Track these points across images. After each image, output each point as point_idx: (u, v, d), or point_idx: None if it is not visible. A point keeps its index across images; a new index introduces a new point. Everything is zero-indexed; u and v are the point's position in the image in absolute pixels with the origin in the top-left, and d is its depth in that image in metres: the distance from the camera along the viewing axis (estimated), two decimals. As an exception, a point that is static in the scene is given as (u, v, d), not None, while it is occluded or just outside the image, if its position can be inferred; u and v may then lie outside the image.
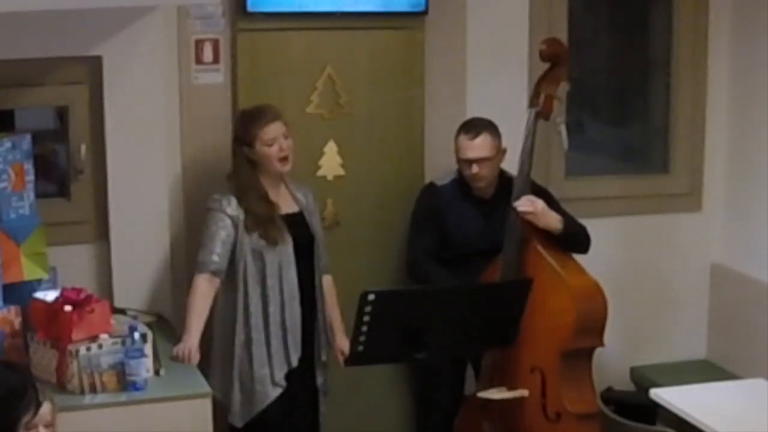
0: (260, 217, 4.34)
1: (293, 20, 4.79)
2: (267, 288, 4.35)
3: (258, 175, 4.39)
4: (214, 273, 4.32)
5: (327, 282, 4.60)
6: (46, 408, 2.97)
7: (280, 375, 4.38)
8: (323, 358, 4.54)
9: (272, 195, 4.42)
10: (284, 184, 4.50)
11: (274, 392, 4.37)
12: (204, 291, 4.32)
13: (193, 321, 4.28)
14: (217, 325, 4.43)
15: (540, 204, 4.42)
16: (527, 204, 4.41)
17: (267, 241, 4.33)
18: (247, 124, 4.38)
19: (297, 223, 4.45)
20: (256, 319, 4.35)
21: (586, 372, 4.47)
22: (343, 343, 4.51)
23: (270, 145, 4.34)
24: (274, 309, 4.36)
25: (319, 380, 4.55)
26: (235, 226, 4.33)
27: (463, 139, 4.63)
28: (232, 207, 4.33)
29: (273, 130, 4.34)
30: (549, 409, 4.40)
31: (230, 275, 4.37)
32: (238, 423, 4.40)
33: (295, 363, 4.40)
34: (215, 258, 4.31)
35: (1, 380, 2.84)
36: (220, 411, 4.28)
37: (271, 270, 4.35)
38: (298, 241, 4.41)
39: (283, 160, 4.36)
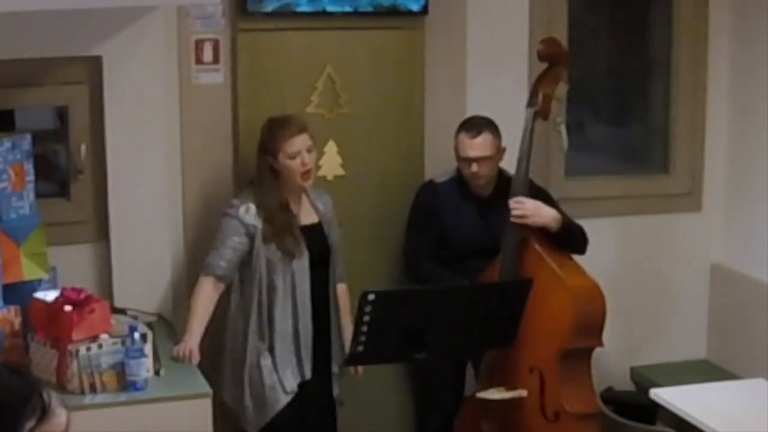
0: (279, 228, 4.31)
1: (293, 20, 4.78)
2: (279, 299, 4.32)
3: (280, 185, 4.35)
4: (220, 278, 4.31)
5: (341, 290, 4.58)
6: (62, 418, 2.91)
7: (292, 385, 4.35)
8: (335, 369, 4.51)
9: (293, 205, 4.39)
10: (305, 194, 4.47)
11: (286, 399, 4.35)
12: (208, 293, 4.30)
13: (195, 322, 4.27)
14: (229, 332, 4.41)
15: (529, 204, 4.41)
16: (517, 208, 4.39)
17: (283, 253, 4.31)
18: (273, 133, 4.34)
19: (315, 235, 4.43)
20: (268, 329, 4.33)
21: (585, 372, 4.47)
22: None
23: (293, 158, 4.30)
24: (286, 320, 4.33)
25: (335, 391, 4.53)
26: (251, 235, 4.30)
27: (464, 137, 4.63)
28: (249, 215, 4.31)
29: (298, 143, 4.31)
30: (548, 410, 4.40)
31: (244, 283, 4.35)
32: (252, 430, 4.38)
33: (308, 375, 4.38)
34: (223, 264, 4.29)
35: (3, 384, 2.80)
36: (221, 412, 4.28)
37: (285, 281, 4.32)
38: (314, 253, 4.39)
39: (305, 174, 4.33)
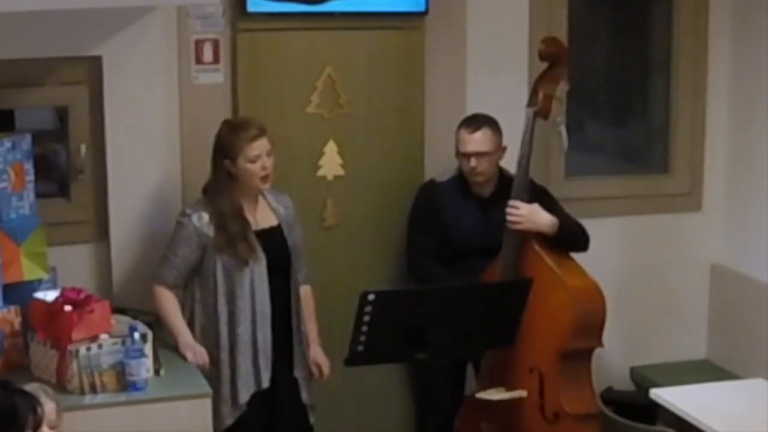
0: (232, 235, 4.22)
1: (293, 20, 4.79)
2: (237, 308, 4.24)
3: (235, 189, 4.27)
4: (171, 286, 4.29)
5: (305, 293, 4.50)
6: (50, 407, 2.92)
7: (245, 396, 4.25)
8: (296, 374, 4.40)
9: (248, 210, 4.31)
10: (263, 196, 4.39)
11: (235, 413, 4.25)
12: (168, 296, 4.28)
13: (176, 322, 4.25)
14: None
15: (524, 209, 4.40)
16: (511, 213, 4.40)
17: (238, 261, 4.23)
18: (232, 136, 4.25)
19: (274, 238, 4.35)
20: (224, 339, 4.26)
21: (584, 372, 4.46)
22: (317, 355, 4.46)
23: (254, 162, 4.23)
24: (244, 329, 4.25)
25: (304, 396, 4.42)
26: (203, 244, 4.24)
27: (464, 132, 4.64)
28: (201, 223, 4.25)
29: (259, 146, 4.24)
30: (547, 410, 4.40)
31: (200, 291, 4.30)
32: None
33: (266, 384, 4.28)
34: (174, 273, 4.27)
35: None
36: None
37: (243, 289, 4.24)
38: (273, 257, 4.30)
39: (264, 178, 4.26)
